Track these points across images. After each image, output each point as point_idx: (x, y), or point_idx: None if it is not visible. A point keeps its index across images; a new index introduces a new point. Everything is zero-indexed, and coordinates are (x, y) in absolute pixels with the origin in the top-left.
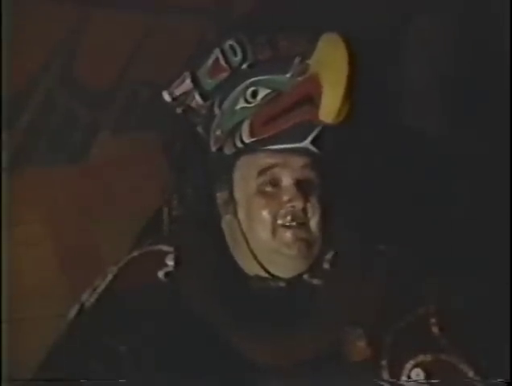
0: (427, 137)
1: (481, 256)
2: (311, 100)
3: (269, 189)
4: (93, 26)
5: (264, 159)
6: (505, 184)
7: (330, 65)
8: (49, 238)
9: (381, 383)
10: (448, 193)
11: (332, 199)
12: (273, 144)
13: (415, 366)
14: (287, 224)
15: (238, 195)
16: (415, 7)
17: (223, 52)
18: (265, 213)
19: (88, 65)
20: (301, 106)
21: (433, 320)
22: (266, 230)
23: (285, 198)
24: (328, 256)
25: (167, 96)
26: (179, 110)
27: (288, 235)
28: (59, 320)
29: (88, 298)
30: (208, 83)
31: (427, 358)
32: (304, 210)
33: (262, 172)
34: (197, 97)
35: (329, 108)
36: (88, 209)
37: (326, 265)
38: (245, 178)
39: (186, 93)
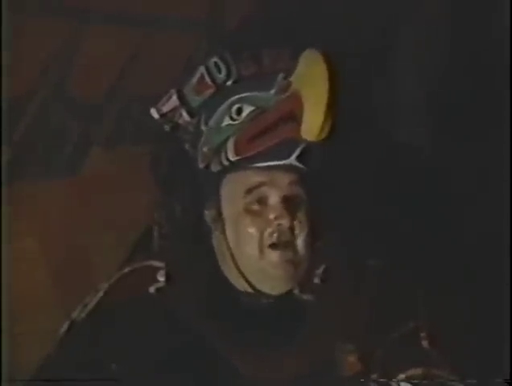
0: (416, 151)
1: (470, 269)
2: (294, 117)
3: (256, 207)
4: (85, 41)
5: (251, 178)
6: (496, 196)
7: (310, 82)
8: (40, 252)
9: None
10: (438, 206)
11: (321, 215)
12: (258, 161)
13: (405, 379)
14: (274, 243)
15: (226, 212)
16: (404, 20)
17: (207, 69)
18: (252, 231)
19: (80, 80)
20: (284, 124)
21: (423, 334)
22: (254, 248)
23: (272, 216)
24: (319, 271)
25: (154, 114)
26: (167, 127)
27: (275, 256)
28: (49, 336)
29: (79, 314)
30: (195, 100)
31: (418, 371)
32: (291, 228)
33: (249, 191)
34: (184, 114)
35: (311, 125)
36: (79, 223)
37: (317, 280)
38: (232, 196)
39: (173, 110)
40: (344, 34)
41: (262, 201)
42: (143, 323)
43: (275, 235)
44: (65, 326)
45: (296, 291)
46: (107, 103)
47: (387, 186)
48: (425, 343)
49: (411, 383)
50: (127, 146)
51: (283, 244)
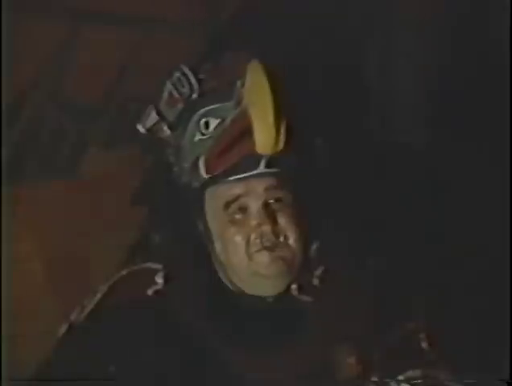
0: (414, 150)
1: (470, 269)
2: (249, 132)
3: (238, 216)
4: (82, 42)
5: (227, 191)
6: (496, 196)
7: (255, 96)
8: (38, 254)
9: None
10: (437, 206)
11: (316, 215)
12: (231, 175)
13: (404, 381)
14: (259, 248)
15: (211, 226)
16: (400, 20)
17: (173, 84)
18: (238, 240)
19: (78, 80)
20: (242, 139)
21: (422, 335)
22: (242, 256)
23: (253, 222)
24: (318, 272)
25: (141, 129)
26: (153, 141)
27: (264, 256)
28: (47, 338)
29: (77, 317)
30: (170, 113)
31: (417, 373)
32: (275, 231)
33: (228, 204)
34: (165, 128)
35: (263, 140)
36: (76, 224)
37: (315, 281)
38: (214, 210)
39: (155, 125)
40: (340, 32)
41: (243, 210)
42: (142, 325)
43: (258, 240)
44: (64, 327)
45: (295, 292)
46: (105, 103)
47: (386, 185)
48: (424, 344)
49: (411, 384)
50: (125, 147)
51: (269, 247)
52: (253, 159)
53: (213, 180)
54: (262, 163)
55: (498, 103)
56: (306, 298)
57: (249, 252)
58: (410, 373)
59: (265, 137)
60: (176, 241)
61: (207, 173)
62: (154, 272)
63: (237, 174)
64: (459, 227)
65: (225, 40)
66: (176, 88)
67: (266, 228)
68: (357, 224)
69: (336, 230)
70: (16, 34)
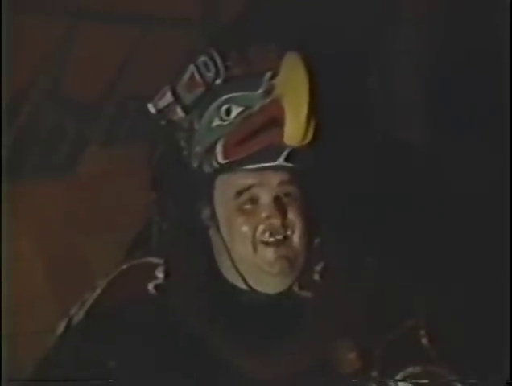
0: (415, 148)
1: (469, 267)
2: (277, 122)
3: (248, 206)
4: (81, 40)
5: (240, 180)
6: (496, 196)
7: (291, 87)
8: (37, 252)
9: None
10: (437, 205)
11: (318, 212)
12: (248, 164)
13: (404, 377)
14: (266, 241)
15: (219, 212)
16: (400, 18)
17: (197, 67)
18: (245, 229)
19: (75, 78)
20: (269, 129)
21: (422, 332)
22: (247, 246)
23: (263, 214)
24: (318, 268)
25: (152, 109)
26: (163, 122)
27: (269, 253)
28: (47, 335)
29: (77, 312)
30: (187, 97)
31: (417, 369)
32: (284, 226)
33: (239, 193)
34: (178, 110)
35: (293, 132)
36: (76, 222)
37: (316, 277)
38: (223, 197)
39: (168, 106)
40: (342, 31)
41: (253, 201)
42: (142, 320)
43: (267, 233)
44: (63, 323)
45: (295, 288)
46: (104, 102)
47: (386, 183)
48: (424, 341)
49: (410, 382)
50: (124, 145)
51: (276, 242)
52: (274, 151)
53: (228, 167)
54: (283, 156)
55: (498, 102)
56: (306, 294)
57: (256, 242)
58: (410, 370)
59: (296, 128)
60: (180, 230)
61: (224, 158)
62: (155, 266)
63: (254, 164)
64: (461, 225)
65: (230, 37)
66: (200, 72)
67: (276, 221)
68: (358, 220)
69: (336, 226)
70: (15, 33)
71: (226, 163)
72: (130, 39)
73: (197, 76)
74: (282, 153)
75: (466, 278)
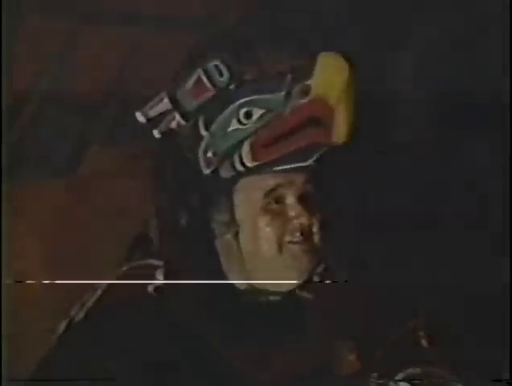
0: (418, 151)
1: (469, 267)
2: (318, 122)
3: (274, 206)
4: (82, 40)
5: (268, 181)
6: (496, 195)
7: (337, 87)
8: (37, 252)
9: None
10: (439, 206)
11: (329, 213)
12: (276, 165)
13: (404, 379)
14: (296, 240)
15: (241, 216)
16: (407, 22)
17: (206, 72)
18: (271, 229)
19: (78, 78)
20: (306, 129)
21: (422, 333)
22: (272, 247)
23: (291, 214)
24: (319, 269)
25: (140, 118)
26: (155, 132)
27: (295, 247)
28: (47, 335)
29: (77, 313)
30: (190, 103)
31: (417, 370)
32: (310, 225)
33: (266, 195)
34: (178, 117)
35: (344, 129)
36: (76, 222)
37: (316, 279)
38: (249, 200)
39: (163, 114)
40: (348, 34)
41: (279, 200)
42: (142, 322)
43: (297, 233)
44: (63, 325)
45: (297, 290)
46: (106, 101)
47: (388, 185)
48: (424, 342)
49: (410, 382)
50: (126, 145)
51: (301, 241)
52: (307, 151)
53: (255, 169)
54: (315, 156)
55: (498, 102)
56: (306, 295)
57: (282, 242)
58: (410, 371)
59: (348, 126)
60: (179, 237)
61: (254, 160)
62: (155, 268)
63: (283, 165)
64: (461, 226)
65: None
66: (209, 77)
67: (304, 221)
68: (359, 222)
69: (337, 227)
70: (15, 33)
71: (255, 166)
72: (131, 39)
73: (206, 81)
74: (315, 153)
75: (466, 278)
